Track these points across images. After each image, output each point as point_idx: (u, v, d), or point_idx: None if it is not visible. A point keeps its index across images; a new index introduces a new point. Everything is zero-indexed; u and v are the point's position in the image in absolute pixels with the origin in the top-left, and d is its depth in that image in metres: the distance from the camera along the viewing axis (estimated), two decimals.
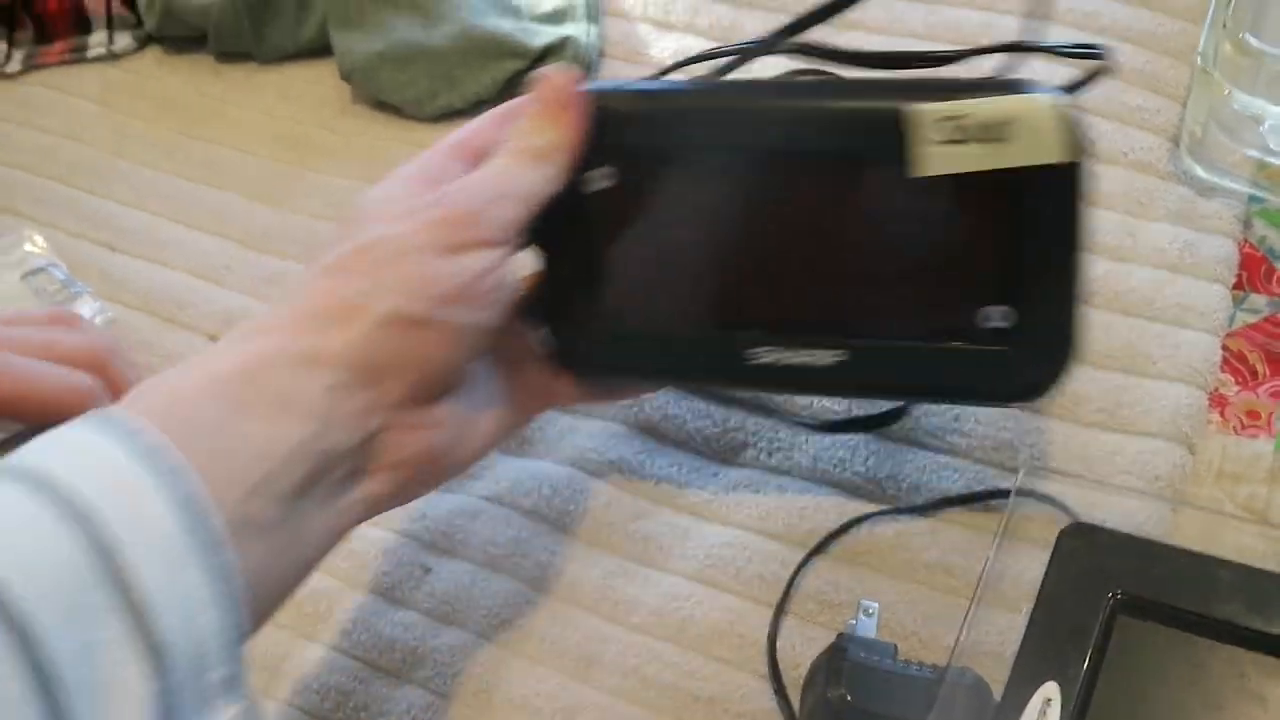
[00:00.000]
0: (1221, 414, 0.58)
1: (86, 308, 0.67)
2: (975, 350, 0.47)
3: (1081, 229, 0.46)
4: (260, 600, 0.38)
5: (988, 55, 0.54)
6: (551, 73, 0.48)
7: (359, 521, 0.43)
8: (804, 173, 0.48)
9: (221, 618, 0.35)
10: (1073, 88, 0.52)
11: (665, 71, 0.64)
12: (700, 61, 0.59)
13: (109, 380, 0.51)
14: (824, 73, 0.57)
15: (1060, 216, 0.45)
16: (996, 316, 0.47)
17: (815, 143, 0.47)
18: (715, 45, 0.59)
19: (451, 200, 0.44)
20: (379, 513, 0.44)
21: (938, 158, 0.45)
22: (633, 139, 0.49)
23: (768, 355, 0.49)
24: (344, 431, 0.41)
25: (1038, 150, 0.44)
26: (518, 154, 0.46)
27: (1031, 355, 0.47)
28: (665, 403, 0.60)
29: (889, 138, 0.45)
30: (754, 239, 0.49)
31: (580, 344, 0.51)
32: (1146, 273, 0.63)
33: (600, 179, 0.48)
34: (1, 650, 0.30)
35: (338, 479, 0.41)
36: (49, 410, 0.47)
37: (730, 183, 0.49)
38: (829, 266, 0.49)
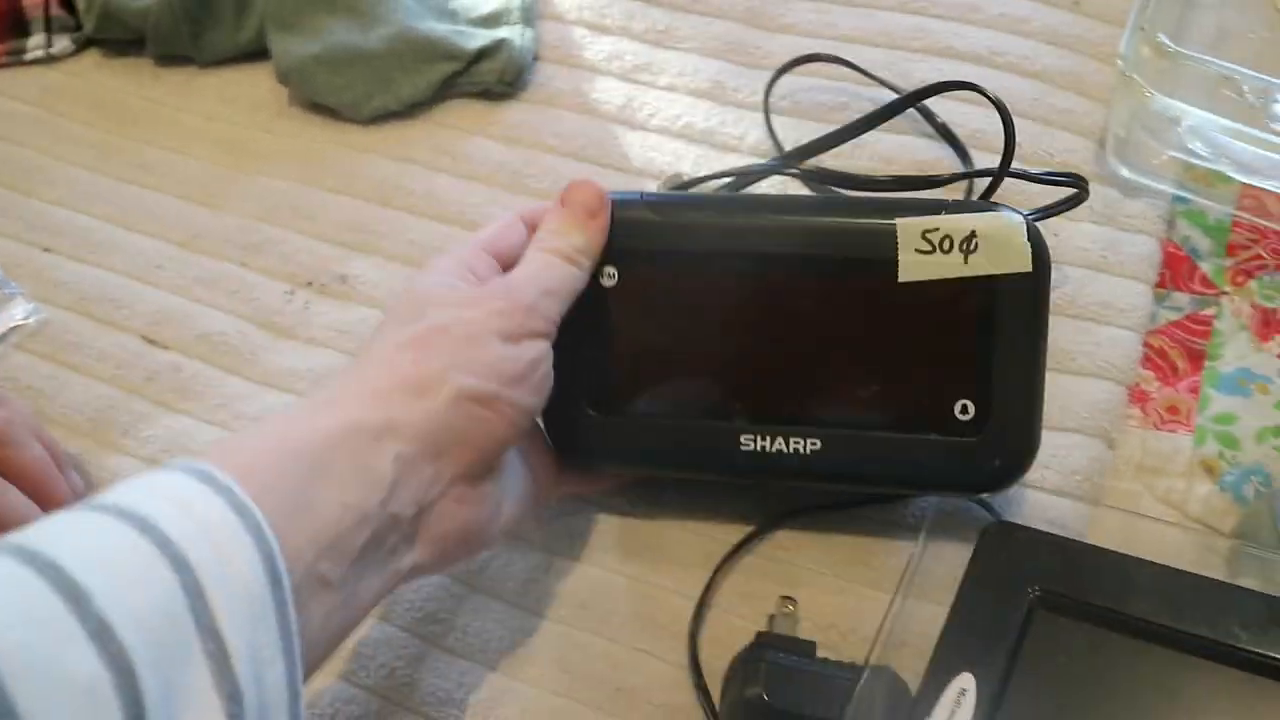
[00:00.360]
0: (1143, 409, 0.59)
1: (19, 309, 0.67)
2: (946, 442, 0.51)
3: (1043, 331, 0.50)
4: (308, 658, 0.39)
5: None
6: (582, 182, 0.52)
7: (397, 586, 0.45)
8: (794, 277, 0.51)
9: (286, 673, 0.36)
10: (1050, 211, 0.61)
11: (683, 185, 0.68)
12: (712, 179, 0.66)
13: None
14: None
15: (1024, 319, 0.50)
16: (966, 410, 0.50)
17: (806, 250, 0.51)
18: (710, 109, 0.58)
19: (509, 292, 0.48)
20: (416, 579, 0.46)
21: (919, 265, 0.50)
22: (637, 243, 0.52)
23: (753, 444, 0.51)
24: (406, 500, 0.43)
25: (1003, 260, 0.49)
26: (554, 254, 0.50)
27: (997, 447, 0.51)
28: None
29: (875, 248, 0.50)
30: (743, 338, 0.52)
31: (571, 431, 0.53)
32: (1070, 271, 0.64)
33: (602, 277, 0.52)
34: (108, 689, 0.31)
35: (392, 545, 0.43)
36: None
37: (723, 285, 0.52)
38: (813, 362, 0.52)
